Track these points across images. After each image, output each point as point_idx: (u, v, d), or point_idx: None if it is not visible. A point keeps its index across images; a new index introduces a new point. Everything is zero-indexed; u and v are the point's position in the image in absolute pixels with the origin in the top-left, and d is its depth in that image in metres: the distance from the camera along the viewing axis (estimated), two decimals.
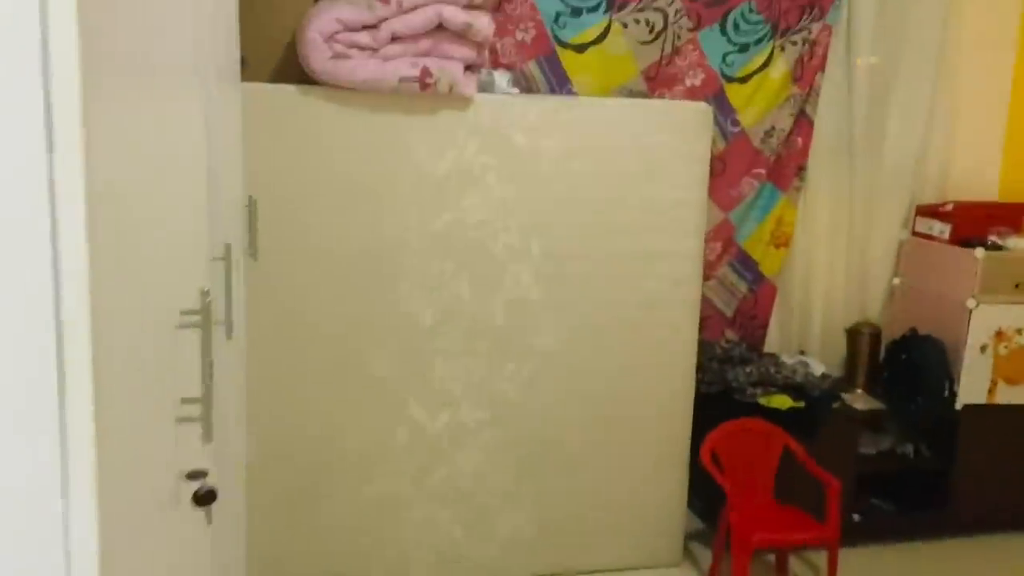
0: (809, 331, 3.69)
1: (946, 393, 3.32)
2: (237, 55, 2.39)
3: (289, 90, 2.59)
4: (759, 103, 3.38)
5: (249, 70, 2.69)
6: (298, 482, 2.78)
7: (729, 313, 3.59)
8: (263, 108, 2.55)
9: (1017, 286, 3.29)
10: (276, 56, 2.81)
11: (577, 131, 2.81)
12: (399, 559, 2.91)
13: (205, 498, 1.00)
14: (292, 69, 2.73)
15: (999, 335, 3.31)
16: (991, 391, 3.34)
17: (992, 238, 3.37)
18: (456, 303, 2.81)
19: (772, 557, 3.22)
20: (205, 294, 0.95)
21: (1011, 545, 3.47)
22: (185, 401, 0.98)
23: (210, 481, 1.05)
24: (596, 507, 3.05)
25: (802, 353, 3.58)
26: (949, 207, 3.49)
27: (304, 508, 2.80)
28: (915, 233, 3.62)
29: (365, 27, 2.56)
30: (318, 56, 2.52)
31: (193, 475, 1.00)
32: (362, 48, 2.56)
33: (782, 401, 3.22)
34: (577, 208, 2.85)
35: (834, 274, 3.68)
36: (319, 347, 2.73)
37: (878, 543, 3.39)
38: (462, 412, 2.89)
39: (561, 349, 2.93)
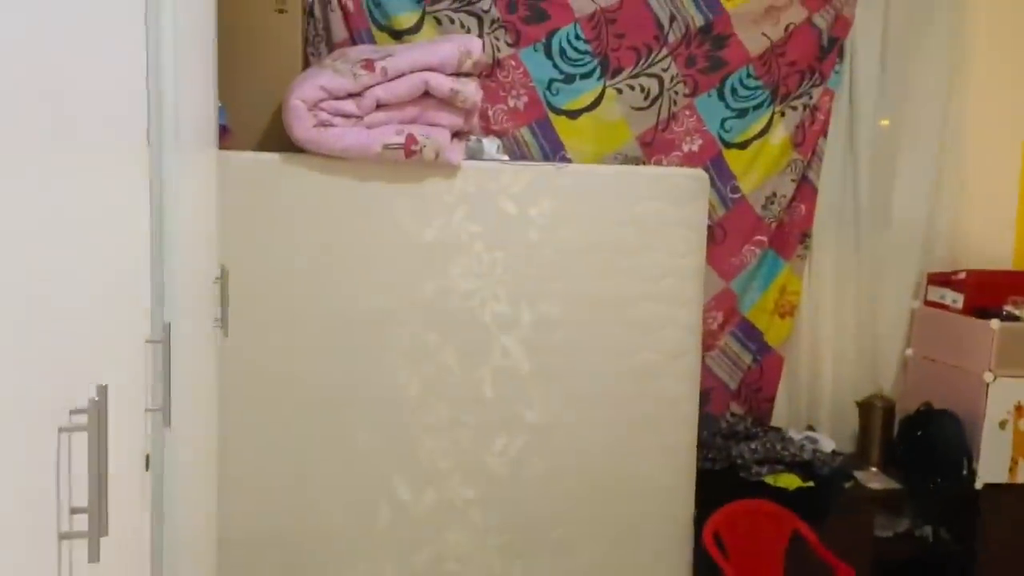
0: (818, 404, 3.53)
1: (964, 471, 3.14)
2: (214, 121, 2.35)
3: (271, 158, 2.54)
4: (759, 169, 3.31)
5: (235, 138, 2.65)
6: (275, 561, 2.64)
7: (733, 385, 3.45)
8: (243, 176, 2.50)
9: None
10: (263, 124, 2.77)
11: (568, 198, 2.74)
12: None
13: None
14: (279, 137, 2.69)
15: (1019, 410, 3.14)
16: (1012, 469, 3.15)
17: (1008, 308, 3.22)
18: (443, 374, 2.70)
19: None
20: (102, 390, 0.85)
21: None
22: (76, 511, 0.87)
23: None
24: None
25: (811, 428, 3.42)
26: (962, 275, 3.35)
27: None
28: (927, 302, 3.49)
29: (350, 95, 2.52)
30: (301, 124, 2.48)
31: None
32: (347, 116, 2.52)
33: (790, 480, 3.05)
34: (568, 276, 2.76)
35: (843, 345, 3.53)
36: (298, 421, 2.62)
37: None
38: (449, 489, 2.75)
39: (553, 423, 2.80)
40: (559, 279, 2.76)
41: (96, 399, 0.81)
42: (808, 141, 3.33)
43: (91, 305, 1.04)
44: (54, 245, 0.90)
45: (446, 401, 2.72)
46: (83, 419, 0.84)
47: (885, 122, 3.42)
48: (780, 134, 3.31)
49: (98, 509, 0.82)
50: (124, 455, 1.18)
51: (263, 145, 2.73)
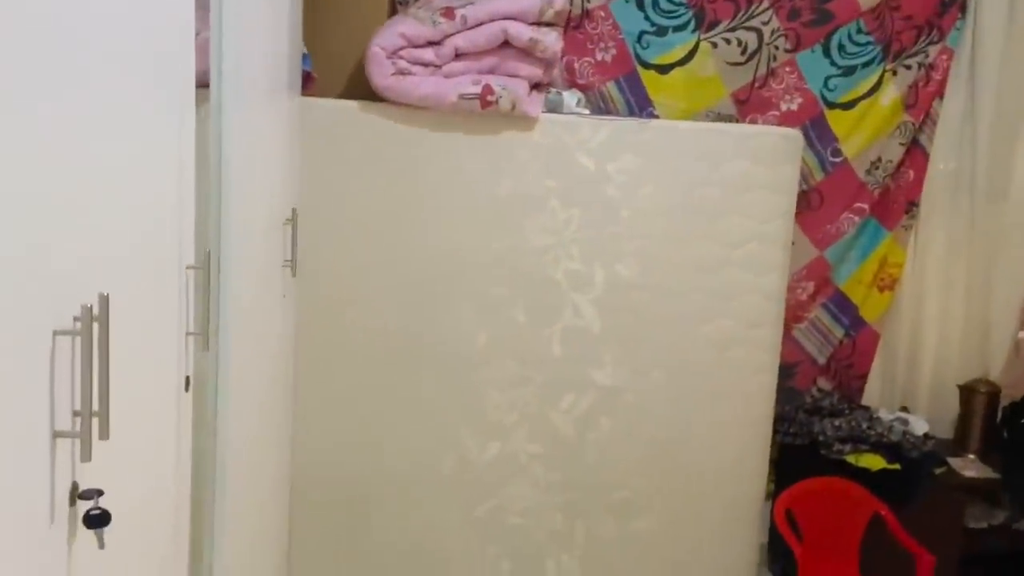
0: (915, 385, 3.32)
1: None
2: (296, 68, 2.40)
3: (349, 106, 2.57)
4: (865, 131, 3.10)
5: (319, 85, 2.70)
6: (344, 497, 2.72)
7: (822, 360, 3.29)
8: (322, 123, 2.55)
9: None
10: (348, 72, 2.80)
11: (649, 155, 2.65)
12: None
13: (94, 520, 0.92)
14: (364, 85, 2.72)
15: None
16: None
17: None
18: (511, 330, 2.69)
19: None
20: (103, 299, 0.88)
21: None
22: (76, 414, 0.91)
23: (115, 502, 0.98)
24: (652, 559, 2.83)
25: (904, 409, 3.23)
26: None
27: (352, 528, 2.74)
28: None
29: (429, 43, 2.51)
30: (380, 72, 2.49)
31: (84, 495, 0.93)
32: (425, 64, 2.52)
33: (874, 461, 2.89)
34: (646, 237, 2.68)
35: (948, 324, 3.30)
36: (367, 366, 2.67)
37: None
38: (513, 443, 2.75)
39: (622, 386, 2.75)
40: (636, 239, 2.68)
41: (90, 306, 0.84)
42: (921, 103, 3.09)
43: (131, 227, 1.08)
44: (95, 167, 0.94)
45: (514, 357, 2.71)
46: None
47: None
48: (891, 94, 3.09)
49: (90, 411, 0.85)
50: (158, 373, 1.23)
51: (348, 93, 2.77)
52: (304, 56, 2.54)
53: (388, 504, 2.75)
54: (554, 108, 2.70)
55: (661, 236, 2.69)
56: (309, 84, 2.61)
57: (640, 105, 3.01)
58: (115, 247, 1.02)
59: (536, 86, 2.64)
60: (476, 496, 2.77)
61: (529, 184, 2.63)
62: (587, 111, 2.76)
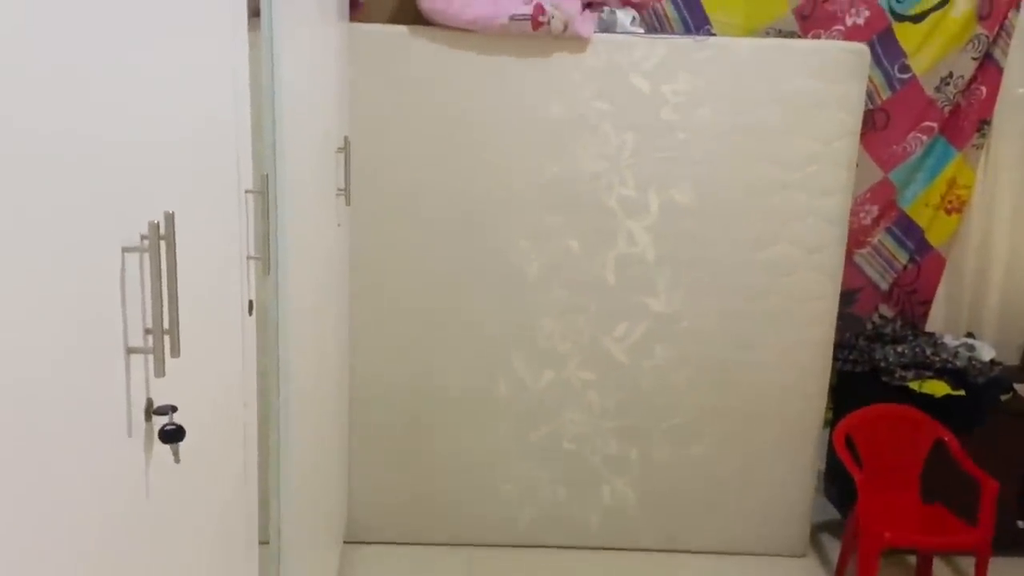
0: (982, 311, 3.22)
1: None
2: None
3: (397, 30, 2.52)
4: (935, 45, 2.94)
5: (366, 10, 2.65)
6: (400, 420, 2.78)
7: (885, 286, 3.20)
8: (370, 49, 2.51)
9: None
10: None
11: (706, 75, 2.56)
12: (501, 512, 2.86)
13: (170, 435, 0.95)
14: (412, 10, 2.66)
15: None
16: None
17: None
18: (564, 257, 2.67)
19: (915, 559, 2.87)
20: (169, 217, 0.88)
21: None
22: (148, 331, 0.92)
23: (189, 417, 1.00)
24: (707, 483, 2.84)
25: (970, 335, 3.14)
26: None
27: (407, 449, 2.80)
28: None
29: None
30: None
31: (160, 411, 0.95)
32: None
33: (937, 387, 2.83)
34: (702, 161, 2.61)
35: (1018, 248, 3.17)
36: (421, 292, 2.69)
37: None
38: (567, 370, 2.76)
39: (677, 312, 2.72)
40: (692, 163, 2.62)
41: (157, 223, 0.84)
42: (996, 14, 2.91)
43: (192, 150, 1.08)
44: (155, 98, 0.93)
45: (567, 285, 2.69)
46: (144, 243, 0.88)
47: None
48: (963, 6, 2.91)
49: (161, 328, 0.86)
50: (223, 295, 1.24)
51: (395, 18, 2.72)
52: None
53: (443, 427, 2.79)
54: (607, 27, 2.61)
55: (718, 159, 2.62)
56: (357, 10, 2.57)
57: (697, 23, 2.89)
58: (177, 169, 1.02)
59: (589, 5, 2.55)
60: (531, 421, 2.80)
61: (582, 107, 2.57)
62: (641, 30, 2.67)
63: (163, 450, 0.95)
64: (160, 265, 0.85)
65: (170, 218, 0.88)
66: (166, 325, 0.87)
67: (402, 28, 2.53)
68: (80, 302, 0.76)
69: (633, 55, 2.53)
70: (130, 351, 0.86)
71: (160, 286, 0.85)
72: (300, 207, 1.63)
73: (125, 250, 0.83)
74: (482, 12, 2.43)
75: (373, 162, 2.56)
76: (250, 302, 1.36)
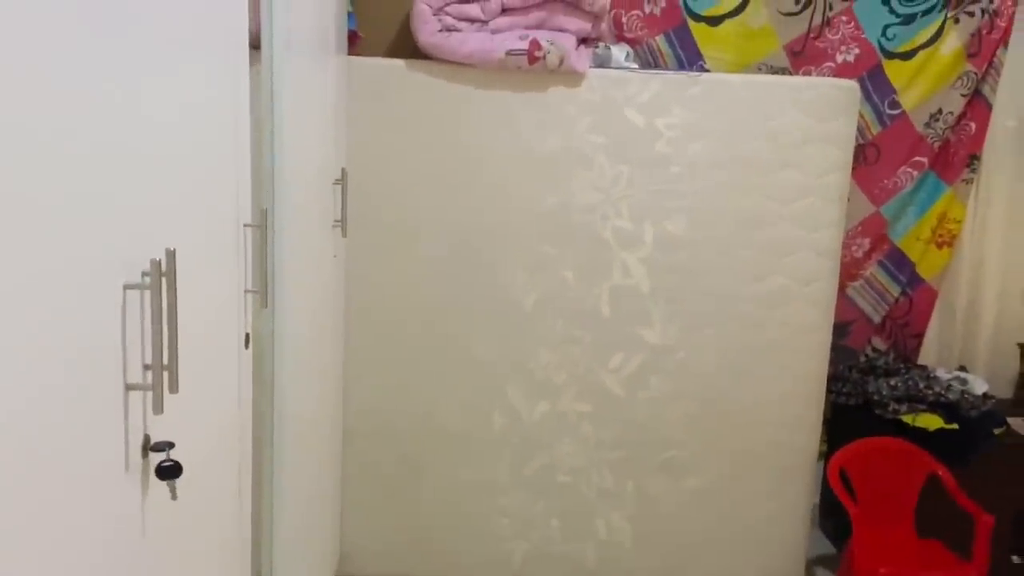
0: (974, 344, 3.24)
1: None
2: (342, 27, 2.38)
3: (395, 64, 2.55)
4: (925, 82, 2.99)
5: (365, 44, 2.68)
6: (395, 456, 2.76)
7: (877, 319, 3.22)
8: (368, 82, 2.53)
9: None
10: (394, 30, 2.78)
11: (700, 109, 2.59)
12: (495, 547, 2.83)
13: (167, 472, 0.94)
14: (409, 43, 2.69)
15: None
16: None
17: None
18: (560, 289, 2.68)
19: None
20: (170, 254, 0.89)
21: None
22: (147, 367, 0.92)
23: (186, 454, 1.00)
24: (703, 516, 2.83)
25: (962, 369, 3.15)
26: None
27: (401, 483, 2.78)
28: None
29: None
30: (426, 28, 2.47)
31: (157, 447, 0.94)
32: (471, 20, 2.48)
33: (931, 421, 2.84)
34: (696, 193, 2.63)
35: (1010, 280, 3.21)
36: (417, 324, 2.69)
37: None
38: (562, 402, 2.75)
39: (672, 344, 2.72)
40: (686, 196, 2.64)
41: (159, 260, 0.84)
42: (985, 51, 2.96)
43: (192, 186, 1.09)
44: (157, 126, 0.94)
45: (562, 316, 2.70)
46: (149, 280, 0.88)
47: None
48: (952, 43, 2.97)
49: (161, 364, 0.86)
50: (220, 329, 1.24)
51: (393, 51, 2.75)
52: (349, 15, 2.53)
53: (438, 461, 2.78)
54: (602, 63, 2.65)
55: (712, 192, 2.64)
56: (355, 43, 2.60)
57: (690, 59, 2.93)
58: (178, 204, 1.03)
59: (584, 41, 2.59)
60: (525, 454, 2.78)
61: (577, 141, 2.59)
62: (636, 66, 2.70)
63: (160, 487, 0.95)
64: (161, 302, 0.85)
65: (171, 255, 0.89)
66: (166, 361, 0.87)
67: (400, 62, 2.55)
68: (81, 339, 0.76)
69: (628, 90, 2.56)
70: (129, 388, 0.85)
71: (161, 323, 0.85)
72: (297, 240, 1.63)
73: (127, 287, 0.83)
74: (479, 47, 2.46)
75: (370, 194, 2.57)
76: (247, 335, 1.36)
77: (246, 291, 1.35)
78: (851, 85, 2.62)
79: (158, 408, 0.87)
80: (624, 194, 2.63)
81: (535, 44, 2.45)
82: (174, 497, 0.94)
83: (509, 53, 2.46)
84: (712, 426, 2.77)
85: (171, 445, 0.93)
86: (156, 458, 0.93)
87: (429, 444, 2.77)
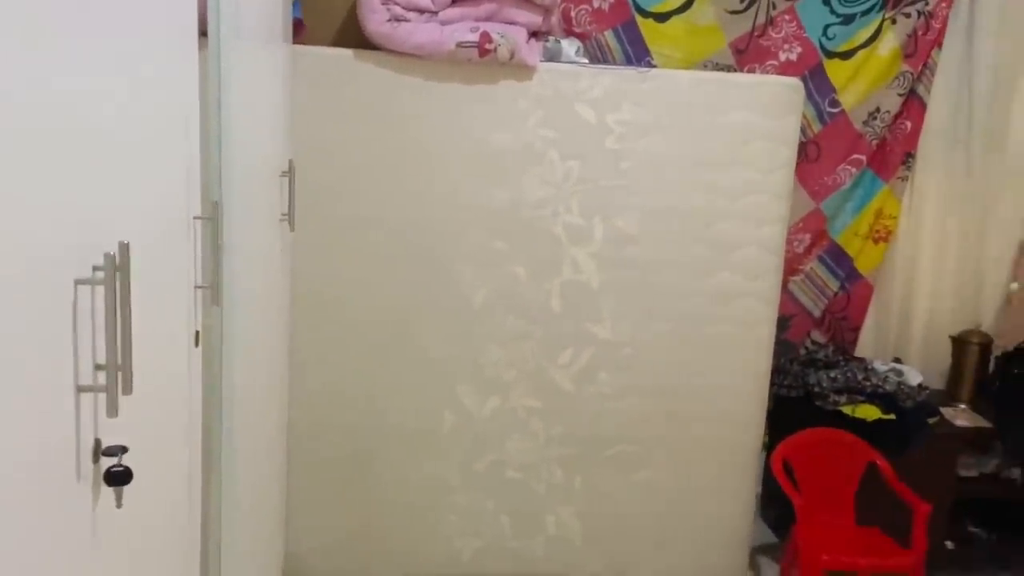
0: (908, 337, 3.34)
1: None
2: (287, 15, 2.32)
3: (341, 54, 2.49)
4: (863, 81, 3.07)
5: (310, 33, 2.61)
6: (342, 454, 2.71)
7: (817, 313, 3.29)
8: (314, 72, 2.47)
9: None
10: (339, 18, 2.71)
11: (650, 105, 2.60)
12: (445, 544, 2.80)
13: (116, 478, 0.89)
14: (355, 32, 2.63)
15: None
16: None
17: None
18: (510, 285, 2.66)
19: None
20: (124, 247, 0.83)
21: None
22: (99, 368, 0.87)
23: (136, 459, 0.95)
24: (652, 510, 2.85)
25: (897, 360, 3.25)
26: None
27: (348, 483, 2.73)
28: None
29: None
30: (374, 18, 2.41)
31: (109, 451, 0.89)
32: (421, 11, 2.44)
33: (869, 411, 2.92)
34: (646, 189, 2.64)
35: (942, 275, 3.31)
36: (366, 321, 2.64)
37: (973, 573, 3.03)
38: (512, 399, 2.74)
39: (622, 340, 2.73)
40: (636, 192, 2.65)
41: (112, 254, 0.79)
42: (920, 52, 3.05)
43: (144, 178, 1.03)
44: (105, 122, 0.88)
45: (513, 312, 2.68)
46: (102, 275, 0.83)
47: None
48: (889, 44, 3.05)
49: (116, 364, 0.81)
50: (171, 327, 1.19)
51: (339, 41, 2.69)
52: (294, 3, 2.46)
53: (387, 459, 2.73)
54: (552, 57, 2.63)
55: (661, 188, 2.65)
56: (300, 32, 2.53)
57: (638, 55, 2.95)
58: (128, 196, 0.97)
59: (534, 34, 2.57)
60: (476, 451, 2.76)
61: (528, 135, 2.57)
62: (586, 60, 2.70)
63: (109, 493, 0.89)
64: (116, 298, 0.80)
65: (124, 248, 0.84)
66: (119, 361, 0.82)
67: (347, 52, 2.49)
68: (30, 339, 0.71)
69: (579, 84, 2.56)
70: (80, 389, 0.80)
71: (115, 320, 0.80)
72: (247, 234, 1.58)
73: (78, 283, 0.78)
74: (429, 38, 2.42)
75: (316, 187, 2.50)
76: (196, 333, 1.30)
77: (196, 287, 1.29)
78: (796, 83, 2.67)
79: (112, 411, 0.82)
80: (575, 190, 2.62)
81: (486, 36, 2.43)
82: (119, 505, 0.89)
83: (459, 45, 2.43)
84: (660, 420, 2.80)
85: (124, 450, 0.88)
86: (107, 463, 0.87)
87: (378, 441, 2.72)
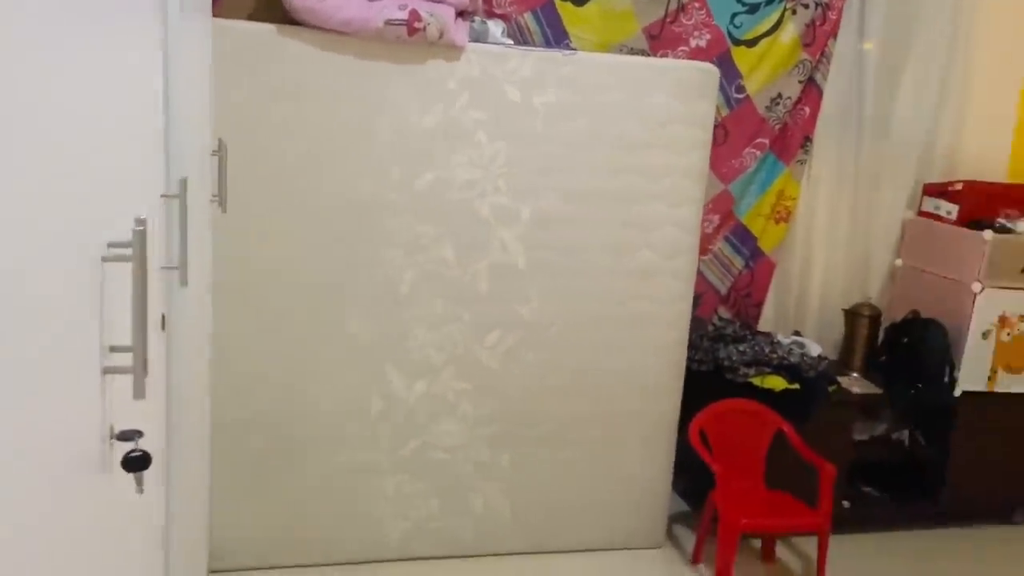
0: (806, 311, 3.56)
1: (946, 379, 3.20)
2: None
3: (264, 29, 2.40)
4: (766, 68, 3.22)
5: (227, 5, 2.50)
6: (267, 444, 2.64)
7: (723, 290, 3.45)
8: (235, 47, 2.37)
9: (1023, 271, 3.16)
10: None
11: (574, 88, 2.64)
12: (373, 528, 2.78)
13: (135, 463, 0.84)
14: (274, 7, 2.54)
15: (1003, 321, 3.19)
16: (991, 379, 3.22)
17: (1001, 220, 3.23)
18: (438, 267, 2.66)
19: (758, 542, 3.11)
20: (140, 223, 0.79)
21: (1003, 536, 3.38)
22: (115, 349, 0.82)
23: (146, 443, 0.90)
24: (576, 485, 2.93)
25: (797, 333, 3.45)
26: (958, 186, 3.35)
27: (273, 471, 2.66)
28: (921, 213, 3.49)
29: None
30: None
31: (125, 436, 0.85)
32: None
33: (776, 382, 3.09)
34: (571, 170, 2.69)
35: (834, 252, 3.54)
36: (291, 305, 2.57)
37: (867, 531, 3.28)
38: (441, 381, 2.74)
39: (547, 320, 2.78)
40: (561, 173, 2.69)
41: (138, 229, 0.75)
42: (818, 42, 3.23)
43: (118, 160, 0.97)
44: (76, 106, 0.83)
45: (441, 294, 2.68)
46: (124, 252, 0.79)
47: (868, 45, 3.34)
48: (790, 33, 3.21)
49: (143, 343, 0.77)
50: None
51: (255, 15, 2.59)
52: None
53: (313, 445, 2.68)
54: (479, 37, 2.63)
55: (584, 170, 2.71)
56: (217, 3, 2.42)
57: (556, 37, 2.98)
58: (119, 174, 0.92)
59: (460, 14, 2.56)
60: (404, 434, 2.75)
61: (456, 116, 2.57)
62: (511, 41, 2.71)
63: (127, 478, 0.85)
64: (143, 274, 0.76)
65: (141, 224, 0.79)
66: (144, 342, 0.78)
67: (270, 27, 2.41)
68: (51, 317, 0.66)
69: (506, 66, 2.57)
70: (106, 371, 0.76)
71: (143, 298, 0.76)
72: (198, 215, 1.51)
73: (104, 260, 0.73)
74: (356, 15, 2.37)
75: (236, 168, 2.40)
76: (163, 316, 1.24)
77: (162, 268, 1.23)
78: (711, 68, 2.78)
79: (139, 393, 0.77)
80: (502, 171, 2.64)
81: (415, 15, 2.40)
82: (140, 490, 0.85)
83: (388, 23, 2.39)
84: (584, 397, 2.87)
85: (140, 434, 0.84)
86: (122, 447, 0.83)
87: (303, 428, 2.66)
